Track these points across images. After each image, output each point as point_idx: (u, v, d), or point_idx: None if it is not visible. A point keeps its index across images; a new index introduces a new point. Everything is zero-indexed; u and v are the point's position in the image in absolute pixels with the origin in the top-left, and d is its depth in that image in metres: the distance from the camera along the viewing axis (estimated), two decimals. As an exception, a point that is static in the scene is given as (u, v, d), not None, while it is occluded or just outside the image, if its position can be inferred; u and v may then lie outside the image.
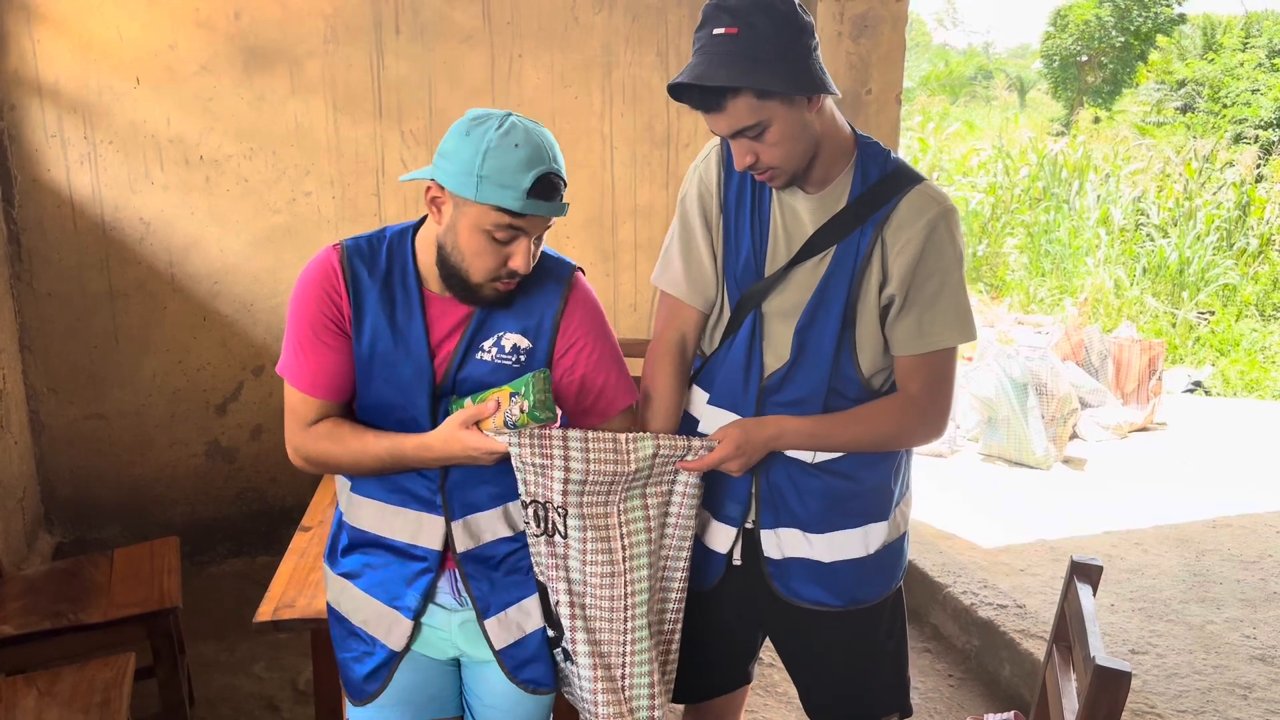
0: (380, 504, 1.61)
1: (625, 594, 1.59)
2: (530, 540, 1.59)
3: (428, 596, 1.63)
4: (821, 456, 1.69)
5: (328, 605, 1.73)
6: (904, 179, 1.63)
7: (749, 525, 1.74)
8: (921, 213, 1.61)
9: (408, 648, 1.65)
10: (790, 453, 1.69)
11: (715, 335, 1.74)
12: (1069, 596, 1.72)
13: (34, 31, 3.38)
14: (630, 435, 1.55)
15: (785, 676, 3.04)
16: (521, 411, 1.46)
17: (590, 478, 1.52)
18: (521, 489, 1.54)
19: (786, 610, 1.77)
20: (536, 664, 1.67)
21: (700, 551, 1.76)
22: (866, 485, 1.72)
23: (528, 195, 1.43)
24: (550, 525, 1.56)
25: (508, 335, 1.58)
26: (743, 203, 1.68)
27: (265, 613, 1.97)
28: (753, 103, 1.49)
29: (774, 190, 1.66)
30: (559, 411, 1.56)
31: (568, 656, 1.64)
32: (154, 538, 2.96)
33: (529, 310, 1.59)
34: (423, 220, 1.61)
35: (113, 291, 3.61)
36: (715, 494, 1.73)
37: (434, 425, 1.56)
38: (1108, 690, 1.39)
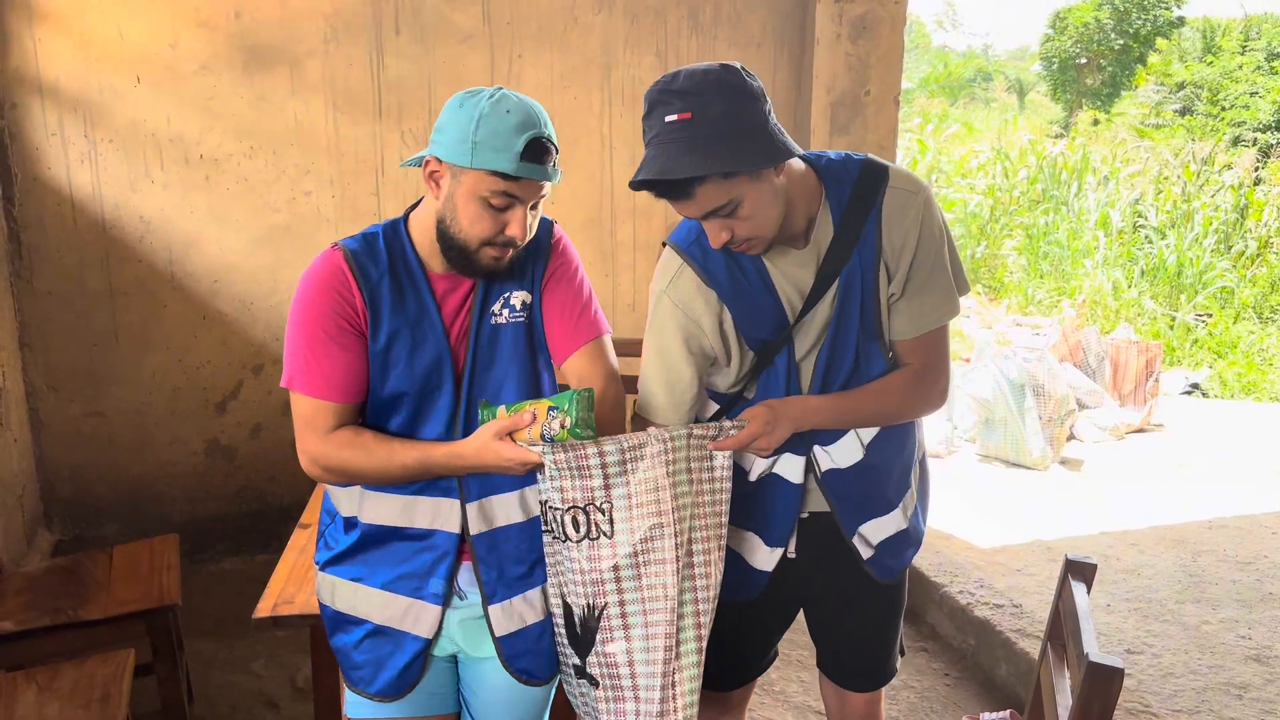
0: (398, 495, 1.61)
1: (678, 580, 1.56)
2: (558, 551, 1.58)
3: (451, 581, 1.64)
4: (867, 435, 1.74)
5: (331, 612, 1.70)
6: (873, 181, 1.65)
7: (804, 516, 1.78)
8: (906, 210, 1.64)
9: (438, 635, 1.65)
10: (842, 463, 1.74)
11: (739, 375, 1.73)
12: (1063, 594, 1.73)
13: (35, 30, 3.39)
14: (664, 428, 1.57)
15: (782, 675, 3.05)
16: (562, 427, 1.47)
17: (629, 465, 1.52)
18: (558, 497, 1.53)
19: (858, 587, 1.82)
20: (533, 655, 1.69)
21: (744, 569, 1.79)
22: (904, 443, 1.80)
23: (520, 158, 1.46)
24: (594, 527, 1.54)
25: (514, 294, 1.64)
26: (741, 290, 1.66)
27: (264, 608, 1.97)
28: (720, 185, 1.47)
29: (764, 259, 1.65)
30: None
31: (594, 682, 1.62)
32: (153, 536, 2.97)
33: (523, 267, 1.66)
34: (410, 210, 1.64)
35: (112, 290, 3.61)
36: (765, 519, 1.76)
37: (456, 405, 1.59)
38: (1100, 686, 1.39)
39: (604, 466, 1.52)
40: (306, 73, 3.65)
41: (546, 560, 1.63)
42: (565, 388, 1.59)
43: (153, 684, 2.59)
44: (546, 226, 1.71)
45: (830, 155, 1.69)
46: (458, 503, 1.61)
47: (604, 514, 1.54)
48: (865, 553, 1.79)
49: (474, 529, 1.62)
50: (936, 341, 1.74)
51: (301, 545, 2.26)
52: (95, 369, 3.65)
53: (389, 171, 3.79)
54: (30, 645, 2.44)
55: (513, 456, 1.49)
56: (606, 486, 1.53)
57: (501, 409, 1.54)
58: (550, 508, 1.56)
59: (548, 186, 1.55)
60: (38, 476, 3.66)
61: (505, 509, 1.64)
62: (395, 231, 1.62)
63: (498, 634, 1.66)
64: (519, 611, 1.66)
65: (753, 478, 1.75)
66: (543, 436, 1.48)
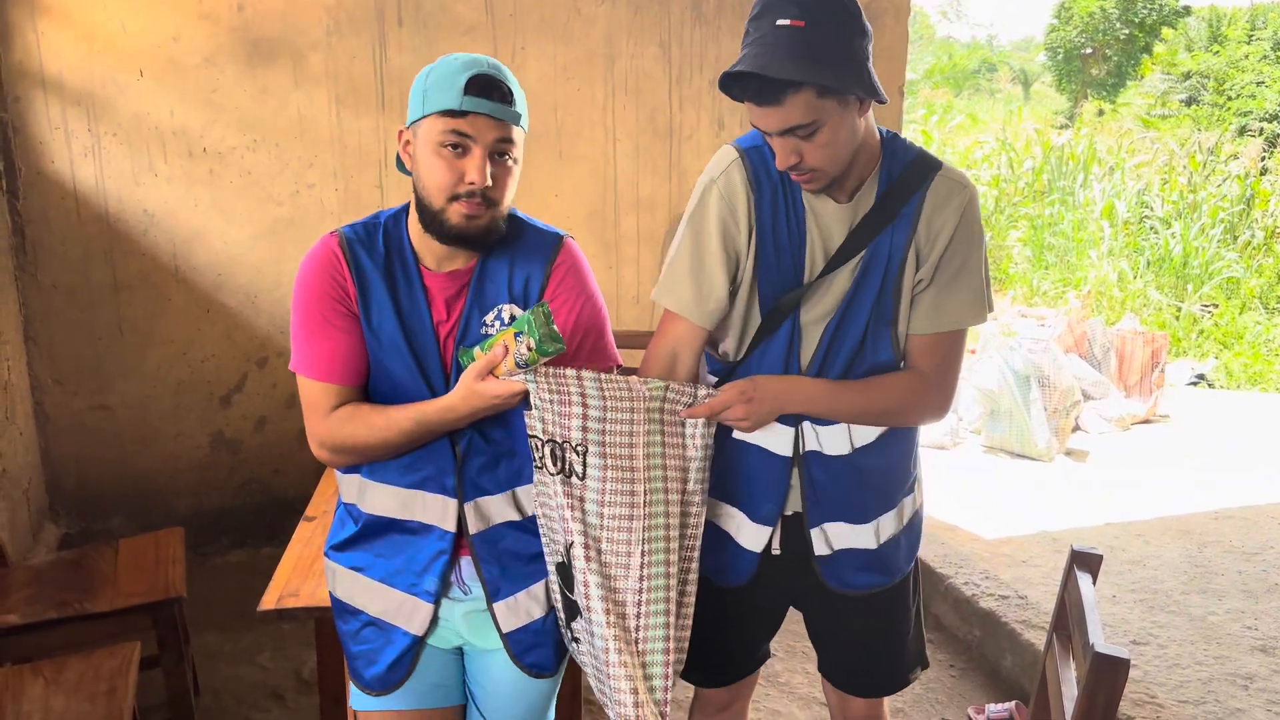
0: (397, 489, 1.62)
1: (643, 538, 1.55)
2: (544, 481, 1.57)
3: (445, 580, 1.64)
4: (860, 438, 1.70)
5: (333, 600, 1.72)
6: (925, 167, 1.64)
7: (788, 514, 1.75)
8: (949, 199, 1.62)
9: (429, 632, 1.65)
10: (829, 450, 1.70)
11: (745, 341, 1.71)
12: (1069, 585, 1.73)
13: (38, 24, 3.38)
14: (642, 378, 1.55)
15: (787, 666, 3.05)
16: (529, 349, 1.45)
17: (609, 414, 1.51)
18: (539, 427, 1.53)
19: (830, 596, 1.78)
20: (542, 649, 1.69)
21: (733, 550, 1.76)
22: (896, 463, 1.75)
23: (465, 93, 1.45)
24: (568, 465, 1.54)
25: (505, 306, 1.60)
26: (778, 218, 1.64)
27: (270, 601, 1.97)
28: (812, 100, 1.45)
29: (805, 201, 1.64)
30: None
31: (580, 613, 1.61)
32: (158, 529, 2.98)
33: (519, 279, 1.61)
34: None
35: (117, 283, 3.62)
36: (750, 493, 1.73)
37: None
38: (1106, 677, 1.39)
39: (584, 400, 1.50)
40: (309, 65, 3.64)
41: (536, 498, 1.61)
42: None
43: (158, 676, 2.59)
44: (554, 241, 1.64)
45: (896, 134, 1.68)
46: (455, 501, 1.61)
47: (579, 455, 1.53)
48: (821, 549, 1.73)
49: (472, 528, 1.62)
50: (950, 347, 1.68)
51: (306, 538, 2.26)
52: (100, 363, 3.66)
53: (392, 164, 3.78)
54: (36, 638, 2.44)
55: (498, 392, 1.48)
56: (584, 429, 1.52)
57: (477, 350, 1.53)
58: (532, 436, 1.55)
59: (514, 131, 1.50)
60: (43, 470, 3.67)
61: (500, 509, 1.64)
62: (397, 223, 1.62)
63: (504, 630, 1.66)
64: (524, 607, 1.66)
65: (735, 435, 1.70)
66: (517, 364, 1.47)
